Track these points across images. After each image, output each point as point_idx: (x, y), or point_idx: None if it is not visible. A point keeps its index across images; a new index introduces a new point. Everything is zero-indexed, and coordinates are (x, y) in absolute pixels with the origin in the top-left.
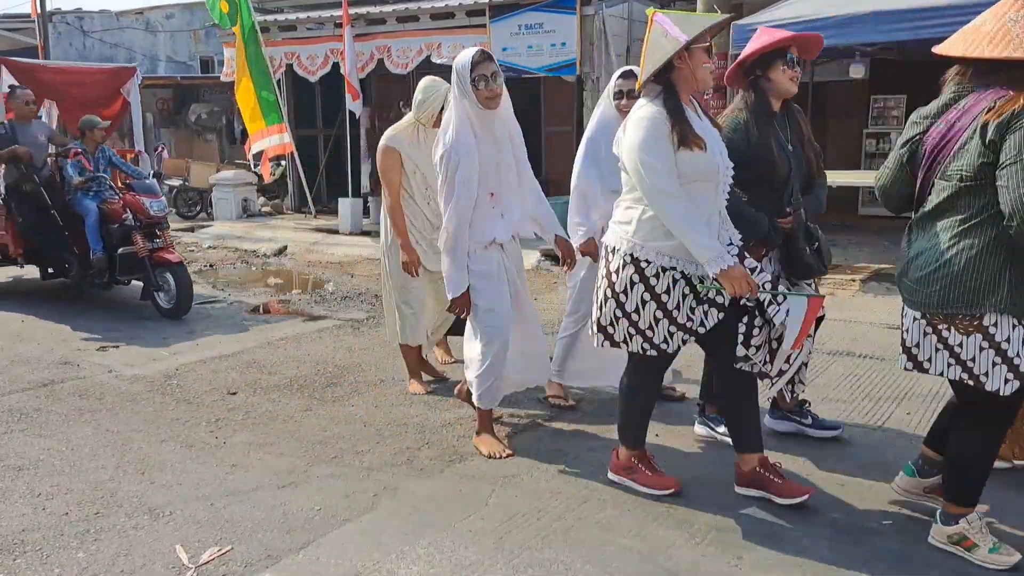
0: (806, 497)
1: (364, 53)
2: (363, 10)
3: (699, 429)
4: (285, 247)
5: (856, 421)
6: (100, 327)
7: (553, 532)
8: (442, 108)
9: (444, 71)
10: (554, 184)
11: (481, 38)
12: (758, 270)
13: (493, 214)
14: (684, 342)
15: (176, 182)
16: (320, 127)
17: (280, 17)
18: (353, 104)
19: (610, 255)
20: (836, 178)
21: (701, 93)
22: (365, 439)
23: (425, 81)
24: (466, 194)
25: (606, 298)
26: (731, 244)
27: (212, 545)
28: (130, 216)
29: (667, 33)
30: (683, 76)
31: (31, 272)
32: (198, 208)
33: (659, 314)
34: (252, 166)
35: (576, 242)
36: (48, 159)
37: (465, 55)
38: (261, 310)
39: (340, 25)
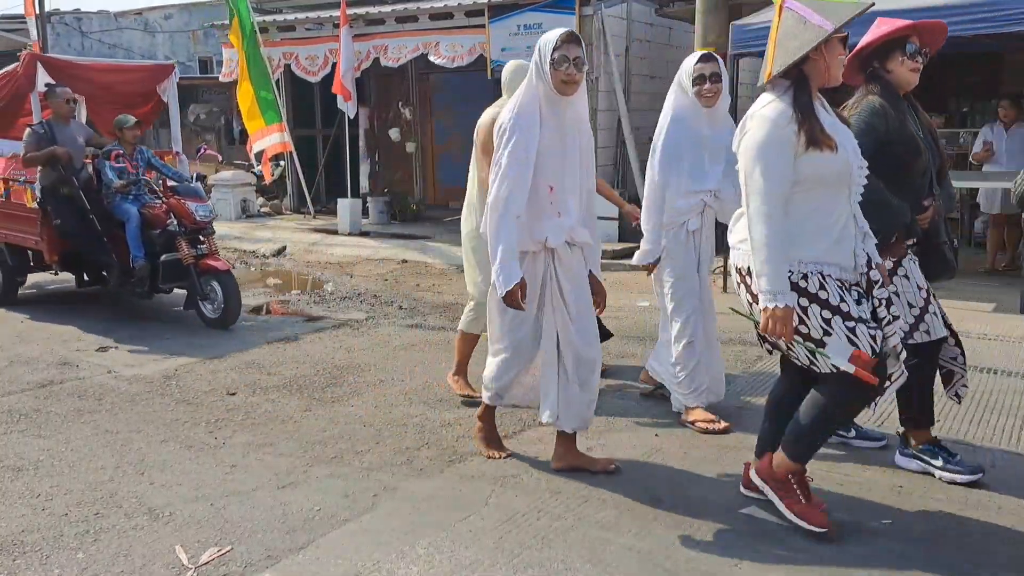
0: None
1: (361, 52)
2: (362, 10)
3: (906, 463)
4: (284, 247)
5: (857, 419)
6: (99, 327)
7: (553, 532)
8: None
9: (444, 69)
10: None
11: (480, 39)
12: (901, 274)
13: (550, 211)
14: (894, 336)
15: None
16: (319, 127)
17: (279, 17)
18: (345, 104)
19: (748, 277)
20: None
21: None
22: (365, 439)
23: (512, 63)
24: (519, 172)
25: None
26: (868, 261)
27: (212, 545)
28: (174, 221)
29: (806, 21)
30: (817, 69)
31: (35, 279)
32: None
33: (841, 319)
34: (254, 165)
35: (641, 252)
36: (86, 161)
37: (551, 33)
38: (261, 311)
39: (339, 25)
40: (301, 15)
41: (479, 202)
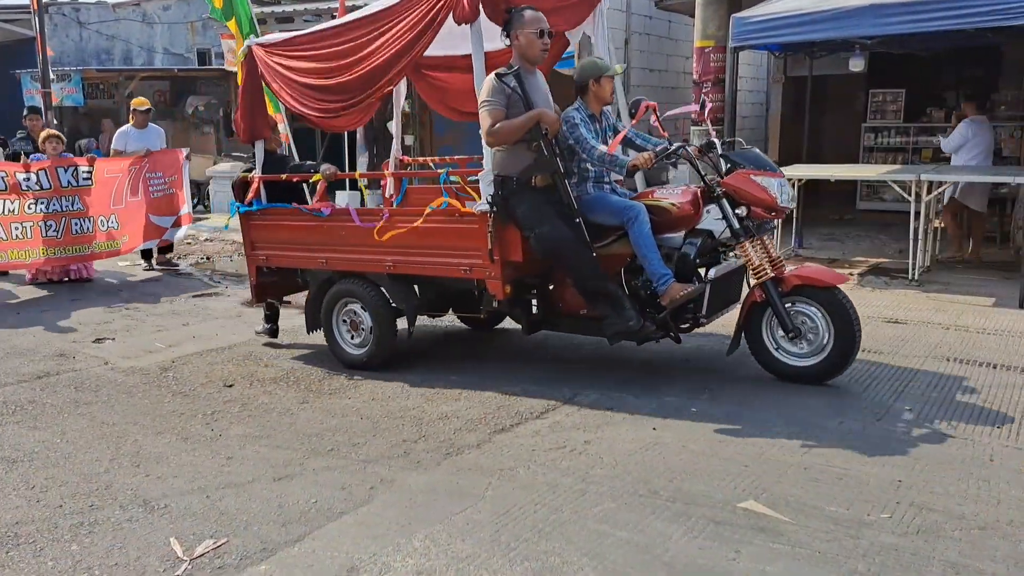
0: None
1: None
2: (360, 0)
3: None
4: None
5: (854, 415)
6: (96, 319)
7: (550, 525)
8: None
9: None
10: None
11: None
12: None
13: None
14: None
15: None
16: None
17: (277, 9)
18: None
19: None
20: (835, 172)
21: None
22: (362, 432)
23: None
24: None
25: None
26: None
27: (207, 537)
28: (740, 213)
29: None
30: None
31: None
32: (195, 201)
33: None
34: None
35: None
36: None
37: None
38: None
39: (337, 16)
40: (300, 6)
41: None
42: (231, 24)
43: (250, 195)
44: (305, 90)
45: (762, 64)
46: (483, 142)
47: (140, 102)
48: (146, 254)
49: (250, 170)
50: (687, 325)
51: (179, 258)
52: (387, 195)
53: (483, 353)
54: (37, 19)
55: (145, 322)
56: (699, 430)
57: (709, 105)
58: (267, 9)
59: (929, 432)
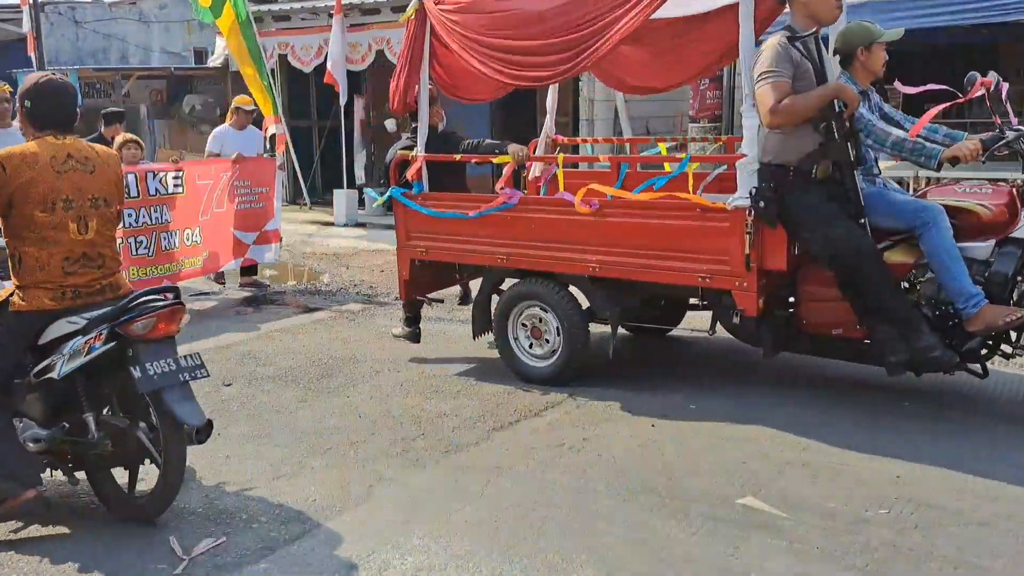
0: None
1: (360, 44)
2: None
3: None
4: (280, 239)
5: (852, 411)
6: None
7: (549, 522)
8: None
9: None
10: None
11: None
12: None
13: None
14: None
15: None
16: (315, 119)
17: (274, 7)
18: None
19: None
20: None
21: None
22: (360, 430)
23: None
24: None
25: None
26: None
27: (206, 536)
28: None
29: None
30: None
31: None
32: None
33: None
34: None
35: None
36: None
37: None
38: (257, 302)
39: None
40: (296, 4)
41: None
42: (220, 22)
43: (411, 173)
44: (494, 52)
45: None
46: (761, 122)
47: (245, 100)
48: (247, 269)
49: (410, 147)
50: (986, 352)
51: (265, 278)
52: (530, 177)
53: (481, 351)
54: (32, 17)
55: None
56: (698, 427)
57: (1005, 86)
58: (264, 7)
59: (927, 428)
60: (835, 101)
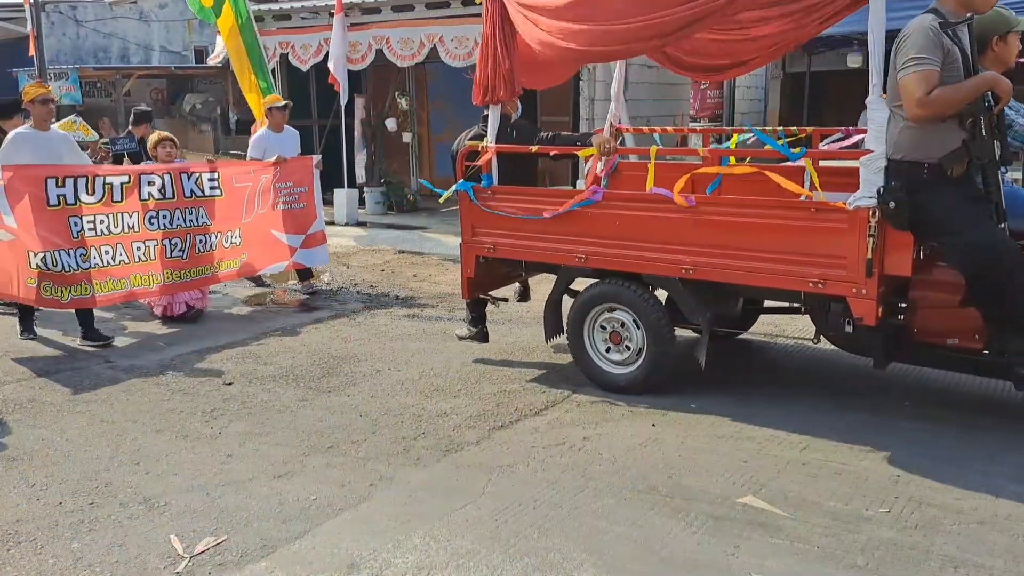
0: None
1: (361, 44)
2: None
3: None
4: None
5: (853, 409)
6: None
7: (549, 521)
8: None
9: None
10: (549, 173)
11: (480, 27)
12: None
13: None
14: None
15: None
16: (315, 117)
17: (275, 6)
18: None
19: None
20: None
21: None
22: (361, 429)
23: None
24: None
25: None
26: None
27: (207, 535)
28: None
29: None
30: None
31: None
32: None
33: None
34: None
35: None
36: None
37: None
38: (256, 301)
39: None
40: (296, 3)
41: None
42: (220, 23)
43: (481, 163)
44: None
45: None
46: (909, 113)
47: (276, 98)
48: (306, 274)
49: (480, 137)
50: None
51: (320, 281)
52: (597, 171)
53: (482, 350)
54: (33, 16)
55: (144, 320)
56: (698, 426)
57: None
58: (264, 7)
59: (927, 428)
60: (985, 95)
